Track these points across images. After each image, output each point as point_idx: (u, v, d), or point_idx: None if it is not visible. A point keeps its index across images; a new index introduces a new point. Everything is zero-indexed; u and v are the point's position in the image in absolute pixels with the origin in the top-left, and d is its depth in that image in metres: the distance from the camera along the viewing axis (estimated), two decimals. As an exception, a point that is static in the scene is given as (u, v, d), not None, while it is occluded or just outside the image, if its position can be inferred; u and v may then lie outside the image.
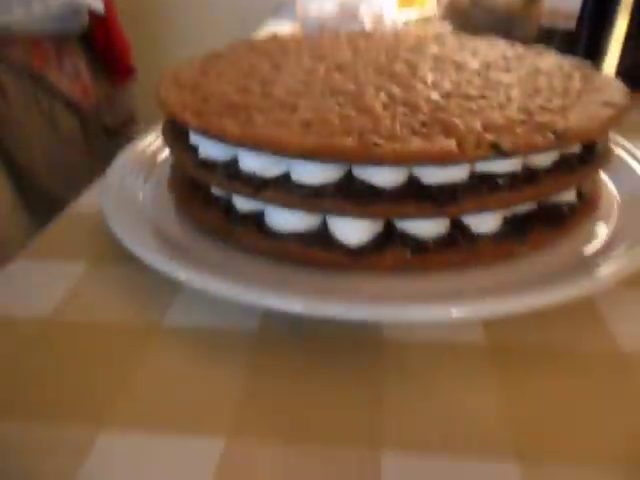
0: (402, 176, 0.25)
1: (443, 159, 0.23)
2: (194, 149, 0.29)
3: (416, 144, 0.23)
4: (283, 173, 0.26)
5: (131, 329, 0.26)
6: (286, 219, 0.27)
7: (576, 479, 0.18)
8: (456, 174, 0.25)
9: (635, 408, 0.21)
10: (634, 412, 0.21)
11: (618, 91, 0.30)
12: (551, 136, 0.24)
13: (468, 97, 0.28)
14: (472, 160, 0.23)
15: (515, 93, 0.28)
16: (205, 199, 0.30)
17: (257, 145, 0.24)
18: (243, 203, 0.28)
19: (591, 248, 0.28)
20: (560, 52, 0.66)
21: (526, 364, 0.23)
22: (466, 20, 0.83)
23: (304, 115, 0.25)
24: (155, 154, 0.38)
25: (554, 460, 0.19)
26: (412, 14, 1.04)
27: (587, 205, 0.30)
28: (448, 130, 0.24)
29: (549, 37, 0.67)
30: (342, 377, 0.23)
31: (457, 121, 0.24)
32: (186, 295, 0.27)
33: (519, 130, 0.24)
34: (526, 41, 0.78)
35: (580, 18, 0.63)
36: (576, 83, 0.31)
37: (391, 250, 0.26)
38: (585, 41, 0.65)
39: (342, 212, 0.25)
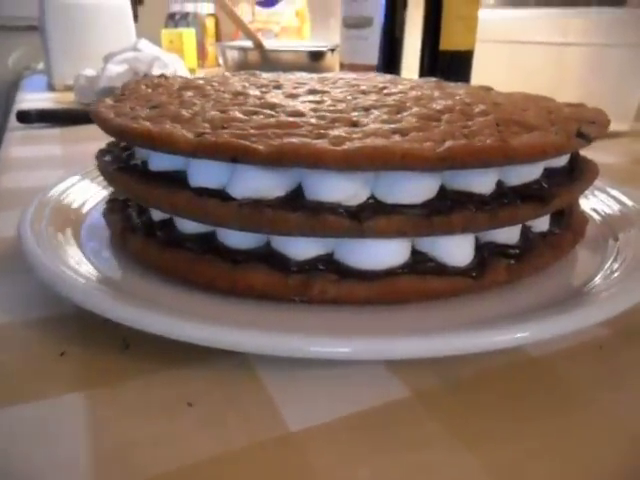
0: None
1: (560, 150, 0.22)
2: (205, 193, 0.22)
3: (529, 137, 0.21)
4: (369, 198, 0.21)
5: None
6: (379, 254, 0.21)
7: None
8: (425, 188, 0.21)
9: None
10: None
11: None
12: (596, 125, 0.25)
13: (486, 103, 0.27)
14: (575, 149, 0.23)
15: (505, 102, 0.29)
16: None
17: (371, 161, 0.19)
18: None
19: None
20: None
21: None
22: (256, 79, 0.85)
23: (381, 125, 0.21)
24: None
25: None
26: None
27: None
28: (529, 128, 0.23)
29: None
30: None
31: (527, 117, 0.24)
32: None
33: (573, 123, 0.25)
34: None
35: (378, 70, 0.71)
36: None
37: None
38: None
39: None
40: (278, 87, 0.30)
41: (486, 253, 0.23)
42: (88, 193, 0.32)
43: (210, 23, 1.29)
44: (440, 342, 0.19)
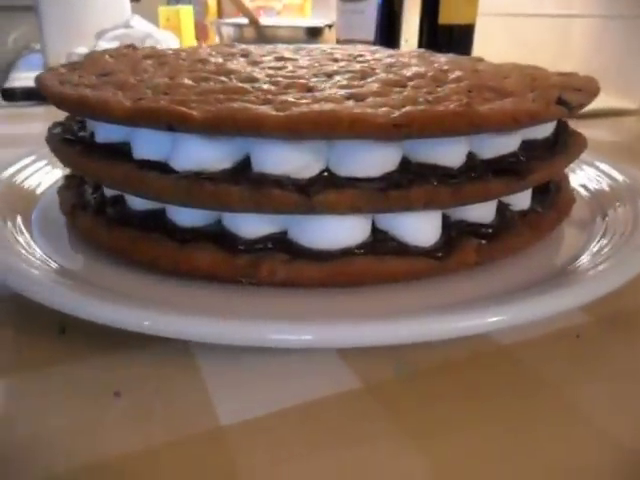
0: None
1: (534, 117, 0.19)
2: (147, 166, 0.20)
3: (501, 104, 0.19)
4: (323, 171, 0.19)
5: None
6: (335, 233, 0.20)
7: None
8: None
9: None
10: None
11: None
12: (583, 93, 0.23)
13: (463, 69, 0.25)
14: (553, 117, 0.21)
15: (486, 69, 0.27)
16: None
17: (316, 128, 0.17)
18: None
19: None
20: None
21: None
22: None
23: (337, 91, 0.19)
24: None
25: None
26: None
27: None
28: (505, 94, 0.21)
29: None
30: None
31: (504, 84, 0.21)
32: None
33: (556, 90, 0.22)
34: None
35: (375, 44, 0.68)
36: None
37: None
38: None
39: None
40: (245, 55, 0.28)
41: (454, 232, 0.21)
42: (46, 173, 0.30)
43: (212, 1, 1.26)
44: (395, 328, 0.17)
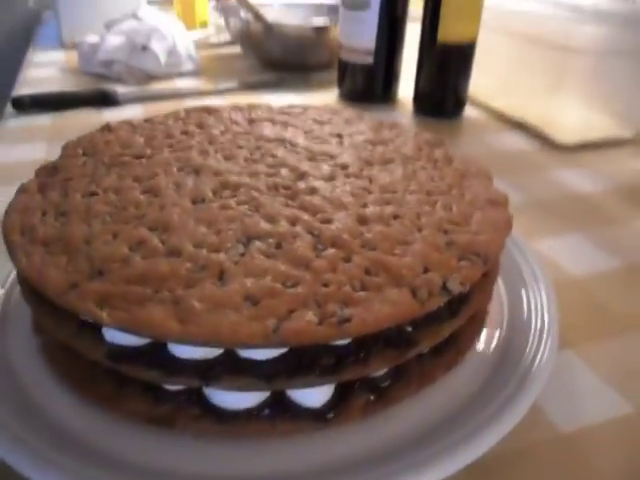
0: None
1: (406, 318, 0.22)
2: (89, 325, 0.24)
3: (378, 307, 0.22)
4: (226, 351, 0.23)
5: None
6: (238, 397, 0.24)
7: None
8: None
9: None
10: None
11: (487, 179, 0.33)
12: (479, 261, 0.25)
13: (382, 219, 0.27)
14: (426, 311, 0.23)
15: (414, 201, 0.29)
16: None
17: (206, 342, 0.21)
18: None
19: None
20: (361, 84, 0.71)
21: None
22: (259, 48, 0.82)
23: (241, 285, 0.23)
24: None
25: None
26: (197, 35, 1.01)
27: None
28: (396, 279, 0.23)
29: (351, 71, 0.71)
30: None
31: (399, 263, 0.24)
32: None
33: (453, 261, 0.25)
34: (320, 68, 0.82)
35: (376, 54, 0.68)
36: (447, 172, 0.33)
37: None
38: (383, 74, 0.71)
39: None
40: (197, 172, 0.31)
41: (345, 390, 0.25)
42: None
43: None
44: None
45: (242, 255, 0.24)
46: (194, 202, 0.28)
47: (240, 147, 0.35)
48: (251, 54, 0.85)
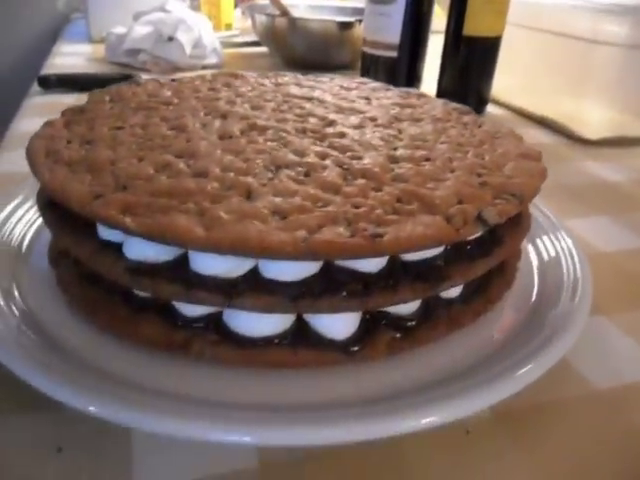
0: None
1: (440, 241, 0.21)
2: (110, 246, 0.23)
3: (412, 227, 0.21)
4: (251, 270, 0.22)
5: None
6: (259, 323, 0.23)
7: None
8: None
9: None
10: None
11: (518, 140, 0.32)
12: (515, 200, 0.24)
13: (413, 160, 0.27)
14: (462, 238, 0.22)
15: (445, 150, 0.29)
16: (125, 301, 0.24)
17: (232, 249, 0.20)
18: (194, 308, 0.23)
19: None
20: (384, 78, 0.71)
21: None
22: (283, 44, 0.83)
23: (269, 202, 0.22)
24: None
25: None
26: (222, 35, 1.02)
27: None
28: (430, 207, 0.23)
29: (374, 65, 0.71)
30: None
31: (432, 194, 0.23)
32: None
33: (487, 197, 0.24)
34: (343, 68, 0.83)
35: (400, 48, 0.68)
36: (477, 132, 0.33)
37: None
38: (406, 69, 0.71)
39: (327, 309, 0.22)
40: (224, 117, 0.31)
41: (372, 325, 0.24)
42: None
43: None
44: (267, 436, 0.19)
45: (270, 179, 0.24)
46: (221, 138, 0.28)
47: (267, 100, 0.34)
48: (275, 52, 0.86)
